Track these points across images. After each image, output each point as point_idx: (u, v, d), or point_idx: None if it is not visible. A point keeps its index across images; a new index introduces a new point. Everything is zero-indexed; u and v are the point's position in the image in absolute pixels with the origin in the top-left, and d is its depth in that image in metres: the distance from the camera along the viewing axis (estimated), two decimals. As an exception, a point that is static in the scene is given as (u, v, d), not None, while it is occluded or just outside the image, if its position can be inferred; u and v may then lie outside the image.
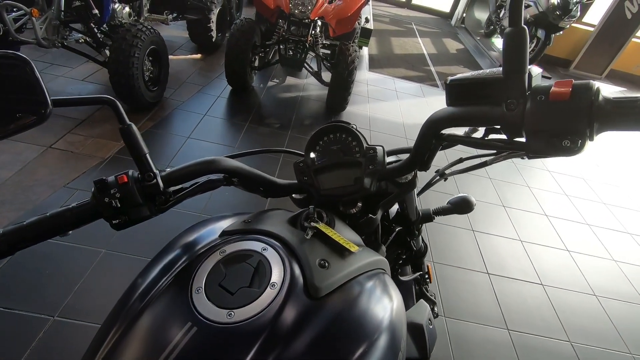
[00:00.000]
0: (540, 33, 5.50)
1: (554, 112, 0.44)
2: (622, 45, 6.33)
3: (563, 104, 0.43)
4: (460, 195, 0.95)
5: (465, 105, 0.50)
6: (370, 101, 3.79)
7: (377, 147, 0.66)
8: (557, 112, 0.43)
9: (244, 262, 0.51)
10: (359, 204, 0.73)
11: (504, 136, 0.50)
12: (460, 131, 0.59)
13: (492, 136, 0.54)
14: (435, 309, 1.19)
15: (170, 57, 2.97)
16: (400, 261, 0.97)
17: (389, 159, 0.72)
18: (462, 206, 0.93)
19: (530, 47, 5.40)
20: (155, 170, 0.55)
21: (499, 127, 0.50)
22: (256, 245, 0.54)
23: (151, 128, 2.61)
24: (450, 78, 0.52)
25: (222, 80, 3.38)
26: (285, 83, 3.77)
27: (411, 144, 0.65)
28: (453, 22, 7.98)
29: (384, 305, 0.54)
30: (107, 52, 2.66)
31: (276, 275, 0.49)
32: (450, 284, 2.02)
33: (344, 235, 0.61)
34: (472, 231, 2.42)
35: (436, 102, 4.14)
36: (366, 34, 4.28)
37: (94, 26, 2.64)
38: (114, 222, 0.52)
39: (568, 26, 5.50)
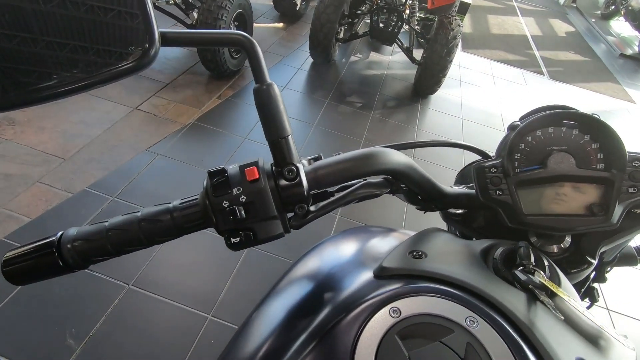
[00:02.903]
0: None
1: None
2: None
3: None
4: None
5: None
6: (462, 85, 3.35)
7: None
8: None
9: (439, 341, 0.30)
10: (568, 239, 0.48)
11: None
12: None
13: None
14: None
15: (253, 24, 2.82)
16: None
17: None
18: None
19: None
20: (297, 163, 0.34)
21: None
22: (455, 311, 0.31)
23: (231, 97, 2.52)
24: None
25: (303, 52, 3.18)
26: (368, 59, 3.47)
27: None
28: (562, 0, 6.88)
29: None
30: (195, 14, 2.59)
31: None
32: None
33: (571, 295, 0.37)
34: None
35: (541, 91, 3.55)
36: (463, 8, 3.77)
37: (184, -14, 2.56)
38: (233, 240, 0.33)
39: None
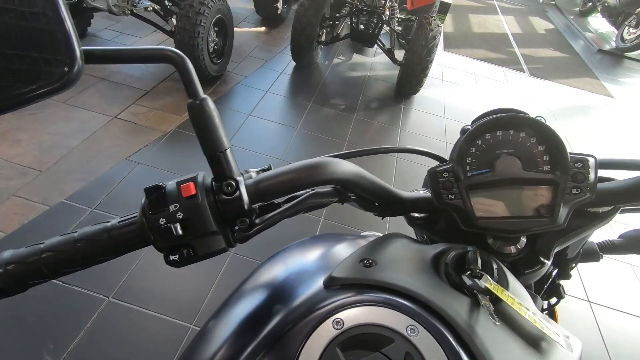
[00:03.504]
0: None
1: None
2: None
3: None
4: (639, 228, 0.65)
5: None
6: (445, 85, 3.38)
7: (587, 157, 0.40)
8: None
9: (379, 351, 0.30)
10: (523, 239, 0.48)
11: None
12: None
13: None
14: None
15: (235, 29, 2.81)
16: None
17: None
18: None
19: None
20: (238, 177, 0.34)
21: None
22: (397, 321, 0.31)
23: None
24: None
25: (286, 56, 3.18)
26: (351, 61, 3.48)
27: None
28: (541, -2, 7.01)
29: None
30: (174, 21, 2.57)
31: None
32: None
33: (519, 297, 0.37)
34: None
35: (522, 89, 3.61)
36: (444, 8, 3.81)
37: (162, -7, 2.54)
38: (171, 257, 0.32)
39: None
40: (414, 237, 0.64)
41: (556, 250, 0.48)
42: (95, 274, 1.43)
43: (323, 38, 3.16)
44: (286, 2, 3.87)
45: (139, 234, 0.33)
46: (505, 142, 0.43)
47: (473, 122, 0.47)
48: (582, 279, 1.86)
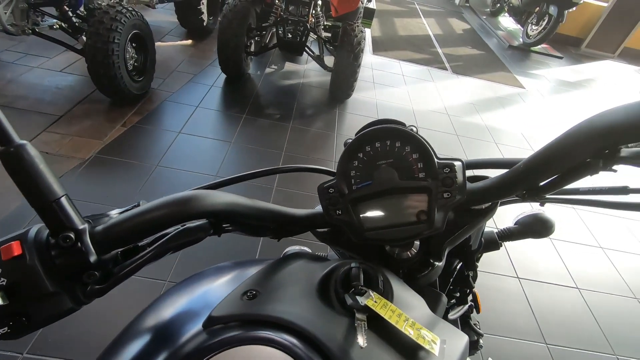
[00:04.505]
0: (552, 9, 5.17)
1: None
2: (636, 21, 5.99)
3: None
4: (531, 213, 0.70)
5: None
6: (376, 87, 3.51)
7: (454, 161, 0.41)
8: None
9: None
10: (417, 242, 0.49)
11: None
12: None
13: None
14: (482, 340, 0.97)
15: (158, 43, 2.69)
16: (453, 300, 0.74)
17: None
18: (537, 228, 0.69)
19: (541, 25, 5.12)
20: (79, 226, 0.30)
21: None
22: (269, 357, 0.30)
23: (137, 123, 2.35)
24: None
25: (215, 68, 3.10)
26: (284, 69, 3.48)
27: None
28: (457, 0, 7.59)
29: None
30: (84, 38, 2.38)
31: None
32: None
33: (406, 305, 0.38)
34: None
35: (446, 85, 3.86)
36: (369, 14, 3.96)
37: (68, 9, 2.34)
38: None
39: (582, 1, 5.17)
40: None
41: (448, 249, 0.50)
42: (4, 329, 1.26)
43: (252, 48, 3.13)
44: (212, 14, 3.78)
45: None
46: (384, 153, 0.44)
47: (356, 134, 0.47)
48: (511, 258, 2.02)
